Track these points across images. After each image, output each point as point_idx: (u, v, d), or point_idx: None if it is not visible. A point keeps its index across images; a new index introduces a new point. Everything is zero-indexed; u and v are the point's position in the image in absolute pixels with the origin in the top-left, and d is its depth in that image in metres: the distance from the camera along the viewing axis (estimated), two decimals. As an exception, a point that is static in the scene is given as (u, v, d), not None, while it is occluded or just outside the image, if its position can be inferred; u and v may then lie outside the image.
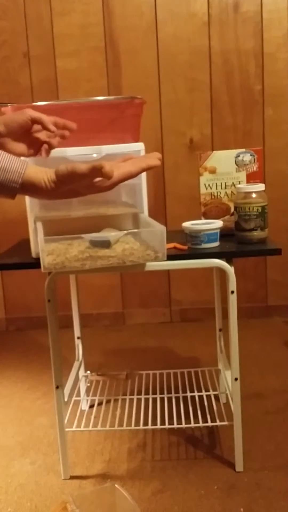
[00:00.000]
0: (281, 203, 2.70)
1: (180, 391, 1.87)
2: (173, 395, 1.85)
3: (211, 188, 1.66)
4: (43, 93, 2.68)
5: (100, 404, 1.96)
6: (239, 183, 1.64)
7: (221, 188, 1.66)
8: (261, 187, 1.55)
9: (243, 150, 1.65)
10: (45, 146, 1.24)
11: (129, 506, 1.28)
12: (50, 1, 2.63)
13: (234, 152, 1.65)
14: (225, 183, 1.65)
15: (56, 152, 1.51)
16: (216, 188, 1.66)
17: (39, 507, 1.49)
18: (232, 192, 1.65)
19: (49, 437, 1.83)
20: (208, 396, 1.83)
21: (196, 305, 2.86)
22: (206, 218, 1.67)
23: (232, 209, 1.62)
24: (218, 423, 1.73)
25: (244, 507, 1.43)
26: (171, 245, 1.53)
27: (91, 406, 1.96)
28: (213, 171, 1.65)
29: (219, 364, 1.95)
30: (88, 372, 2.00)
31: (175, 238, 1.57)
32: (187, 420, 1.74)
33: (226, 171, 1.65)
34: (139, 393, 1.92)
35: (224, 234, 1.57)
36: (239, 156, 1.64)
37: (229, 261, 1.48)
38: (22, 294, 2.90)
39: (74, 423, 1.71)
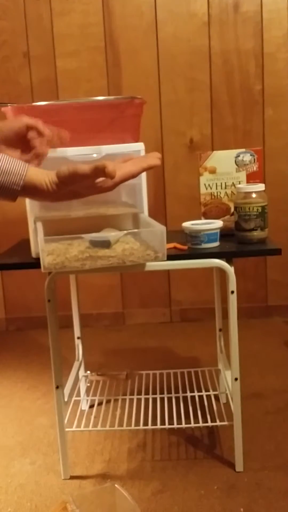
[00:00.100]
0: (281, 203, 2.70)
1: (180, 391, 1.87)
2: (173, 395, 1.85)
3: (211, 188, 1.66)
4: (43, 93, 2.68)
5: (100, 404, 1.96)
6: (239, 183, 1.64)
7: (221, 188, 1.66)
8: (261, 187, 1.55)
9: (243, 150, 1.65)
10: (37, 152, 1.23)
11: (129, 506, 1.28)
12: (50, 1, 2.63)
13: (234, 152, 1.65)
14: (225, 183, 1.65)
15: (56, 152, 1.51)
16: (216, 188, 1.66)
17: (39, 507, 1.49)
18: (232, 192, 1.65)
19: (49, 437, 1.83)
20: (208, 396, 1.83)
21: (196, 305, 2.86)
22: (206, 218, 1.67)
23: (232, 209, 1.62)
24: (218, 423, 1.73)
25: (244, 507, 1.43)
26: (171, 245, 1.53)
27: (91, 406, 1.96)
28: (213, 171, 1.65)
29: (219, 364, 1.95)
30: (88, 372, 2.00)
31: (175, 238, 1.57)
32: (187, 420, 1.74)
33: (226, 171, 1.65)
34: (139, 393, 1.92)
35: (224, 234, 1.57)
36: (239, 156, 1.64)
37: (229, 261, 1.48)
38: (22, 294, 2.90)
39: (74, 423, 1.71)
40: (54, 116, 1.57)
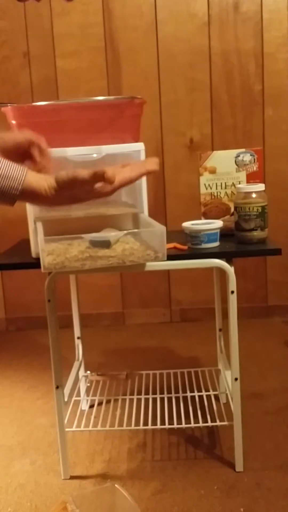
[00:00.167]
0: (281, 203, 2.70)
1: (180, 391, 1.87)
2: (173, 395, 1.85)
3: (211, 188, 1.66)
4: (43, 93, 2.68)
5: (100, 404, 1.96)
6: (239, 183, 1.64)
7: (221, 188, 1.66)
8: (261, 187, 1.55)
9: (243, 150, 1.65)
10: (39, 166, 1.22)
11: (129, 506, 1.28)
12: (50, 1, 2.63)
13: (234, 152, 1.65)
14: (225, 183, 1.65)
15: (56, 152, 1.51)
16: (216, 188, 1.66)
17: (39, 507, 1.49)
18: (232, 192, 1.65)
19: (49, 437, 1.83)
20: (208, 396, 1.83)
21: (196, 305, 2.86)
22: (206, 218, 1.67)
23: (232, 209, 1.62)
24: (218, 423, 1.73)
25: (244, 507, 1.43)
26: (171, 245, 1.53)
27: (91, 406, 1.96)
28: (213, 171, 1.65)
29: (219, 364, 1.95)
30: (88, 372, 2.00)
31: (175, 238, 1.57)
32: (187, 420, 1.74)
33: (226, 171, 1.65)
34: (139, 393, 1.92)
35: (224, 234, 1.57)
36: (239, 156, 1.64)
37: (229, 261, 1.48)
38: (22, 294, 2.90)
39: (74, 423, 1.71)
40: (54, 116, 1.58)
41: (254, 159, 1.64)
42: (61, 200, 1.02)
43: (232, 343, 1.51)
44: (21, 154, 1.18)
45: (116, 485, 1.34)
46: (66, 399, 1.60)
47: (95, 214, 1.59)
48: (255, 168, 1.65)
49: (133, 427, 1.70)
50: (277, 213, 2.63)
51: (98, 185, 1.02)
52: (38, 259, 1.41)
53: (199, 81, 2.67)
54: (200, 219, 1.67)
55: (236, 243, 1.56)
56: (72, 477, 1.60)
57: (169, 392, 1.89)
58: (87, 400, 1.98)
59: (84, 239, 1.42)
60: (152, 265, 1.44)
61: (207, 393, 1.82)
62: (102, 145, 1.53)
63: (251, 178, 1.65)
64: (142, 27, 2.64)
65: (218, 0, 2.61)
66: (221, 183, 1.66)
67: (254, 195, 1.54)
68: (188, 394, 1.83)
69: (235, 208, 1.56)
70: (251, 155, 1.64)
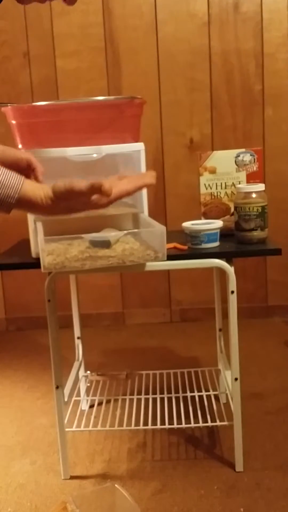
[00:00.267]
0: (281, 203, 2.70)
1: (180, 391, 1.87)
2: (173, 395, 1.85)
3: (211, 188, 1.66)
4: (43, 93, 2.68)
5: (100, 404, 1.96)
6: (239, 183, 1.64)
7: (221, 188, 1.66)
8: (261, 187, 1.55)
9: (243, 150, 1.65)
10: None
11: (129, 506, 1.28)
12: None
13: (234, 152, 1.65)
14: (225, 183, 1.65)
15: (56, 152, 1.51)
16: (216, 188, 1.66)
17: (39, 507, 1.49)
18: (232, 192, 1.65)
19: (49, 437, 1.83)
20: (208, 396, 1.83)
21: (196, 305, 2.86)
22: (206, 218, 1.67)
23: (232, 209, 1.62)
24: (218, 423, 1.73)
25: (244, 507, 1.43)
26: (171, 245, 1.53)
27: (91, 406, 1.96)
28: (213, 171, 1.65)
29: (219, 364, 1.95)
30: (88, 372, 2.00)
31: (175, 238, 1.57)
32: (187, 420, 1.74)
33: (226, 171, 1.65)
34: (139, 393, 1.92)
35: (224, 234, 1.57)
36: (239, 156, 1.64)
37: (229, 261, 1.48)
38: (22, 294, 2.90)
39: (74, 423, 1.71)
40: (54, 116, 1.58)
41: (254, 159, 1.64)
42: (57, 210, 1.02)
43: (232, 343, 1.51)
44: (17, 171, 1.19)
45: (116, 485, 1.34)
46: (66, 399, 1.60)
47: (95, 214, 1.59)
48: (255, 168, 1.65)
49: (133, 427, 1.70)
50: (277, 213, 2.63)
51: (95, 197, 1.02)
52: (38, 259, 1.41)
53: (199, 81, 2.67)
54: (200, 219, 1.67)
55: (236, 243, 1.56)
56: (72, 477, 1.60)
57: (169, 392, 1.89)
58: (87, 400, 1.98)
59: (84, 239, 1.42)
60: (152, 265, 1.44)
61: (207, 393, 1.82)
62: (102, 145, 1.53)
63: (251, 178, 1.65)
64: (142, 27, 2.64)
65: (218, 0, 2.61)
66: (221, 183, 1.66)
67: (254, 195, 1.54)
68: (188, 394, 1.83)
69: (235, 208, 1.56)
70: (251, 155, 1.64)
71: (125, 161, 1.66)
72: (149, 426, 1.73)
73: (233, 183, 1.65)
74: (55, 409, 1.56)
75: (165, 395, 1.86)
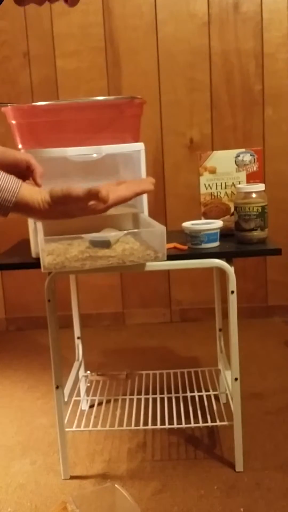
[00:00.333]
0: (281, 203, 2.70)
1: (180, 391, 1.87)
2: (173, 395, 1.85)
3: (211, 188, 1.66)
4: (43, 93, 2.68)
5: (100, 404, 1.96)
6: (239, 183, 1.64)
7: (221, 188, 1.66)
8: (261, 187, 1.55)
9: (243, 150, 1.65)
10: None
11: (129, 506, 1.28)
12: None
13: (234, 152, 1.65)
14: (225, 183, 1.65)
15: (56, 152, 1.51)
16: (216, 188, 1.66)
17: (39, 507, 1.49)
18: (232, 192, 1.65)
19: (49, 437, 1.83)
20: (208, 396, 1.83)
21: (196, 305, 2.86)
22: (206, 218, 1.67)
23: (232, 209, 1.62)
24: (218, 423, 1.73)
25: (244, 507, 1.43)
26: (171, 245, 1.53)
27: (91, 406, 1.96)
28: (213, 171, 1.65)
29: (219, 364, 1.95)
30: (88, 372, 2.00)
31: (175, 238, 1.57)
32: (187, 420, 1.74)
33: (226, 171, 1.65)
34: (139, 393, 1.92)
35: (224, 234, 1.57)
36: (239, 156, 1.64)
37: (229, 261, 1.48)
38: (22, 294, 2.90)
39: (74, 423, 1.71)
40: (54, 116, 1.58)
41: (254, 159, 1.64)
42: (54, 215, 1.02)
43: (232, 343, 1.51)
44: (17, 172, 1.19)
45: (116, 485, 1.34)
46: (66, 399, 1.60)
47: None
48: (255, 168, 1.65)
49: (133, 427, 1.70)
50: (277, 213, 2.63)
51: (92, 202, 1.02)
52: (38, 259, 1.41)
53: (199, 81, 2.67)
54: (200, 219, 1.67)
55: (236, 243, 1.56)
56: (72, 477, 1.60)
57: (169, 392, 1.89)
58: (87, 400, 1.98)
59: (84, 239, 1.42)
60: (152, 265, 1.44)
61: (207, 393, 1.82)
62: (102, 145, 1.53)
63: (251, 178, 1.65)
64: (142, 27, 2.64)
65: (218, 0, 2.61)
66: (221, 183, 1.66)
67: (254, 195, 1.54)
68: (188, 394, 1.83)
69: (235, 208, 1.56)
70: (251, 155, 1.64)
71: (125, 161, 1.66)
72: (149, 426, 1.73)
73: (233, 183, 1.65)
74: (55, 409, 1.56)
75: (165, 395, 1.86)
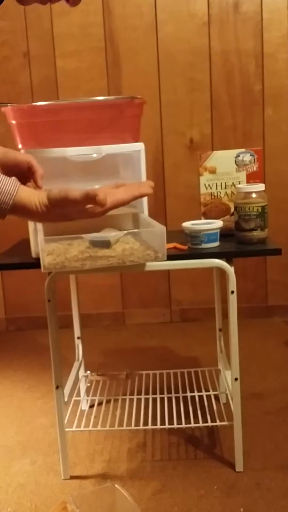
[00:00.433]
0: (281, 203, 2.70)
1: (180, 391, 1.87)
2: (173, 395, 1.85)
3: (211, 188, 1.66)
4: (43, 93, 2.68)
5: (100, 404, 1.96)
6: (239, 183, 1.64)
7: (221, 188, 1.66)
8: (261, 187, 1.55)
9: (243, 150, 1.65)
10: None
11: (129, 506, 1.28)
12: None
13: (234, 152, 1.65)
14: (225, 183, 1.65)
15: (56, 152, 1.51)
16: (216, 188, 1.66)
17: (39, 507, 1.49)
18: (232, 192, 1.65)
19: (49, 437, 1.83)
20: (208, 396, 1.83)
21: (196, 305, 2.86)
22: (206, 218, 1.67)
23: (232, 209, 1.62)
24: (218, 423, 1.73)
25: (244, 507, 1.43)
26: (171, 245, 1.53)
27: (91, 406, 1.96)
28: (213, 171, 1.65)
29: (219, 364, 1.95)
30: (88, 372, 2.00)
31: (175, 238, 1.57)
32: (187, 420, 1.74)
33: (226, 171, 1.65)
34: (139, 393, 1.92)
35: (224, 234, 1.57)
36: (239, 156, 1.64)
37: (229, 261, 1.48)
38: (22, 294, 2.90)
39: (74, 423, 1.71)
40: (54, 116, 1.58)
41: (254, 159, 1.64)
42: (51, 217, 1.02)
43: (232, 343, 1.51)
44: (18, 173, 1.19)
45: (116, 485, 1.34)
46: (66, 399, 1.60)
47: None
48: (255, 168, 1.65)
49: (133, 427, 1.70)
50: (277, 213, 2.63)
51: (90, 205, 1.02)
52: (38, 259, 1.41)
53: (199, 81, 2.67)
54: (200, 219, 1.67)
55: (236, 243, 1.56)
56: (72, 477, 1.60)
57: (169, 392, 1.89)
58: (87, 400, 1.98)
59: (84, 239, 1.42)
60: (152, 265, 1.44)
61: (207, 393, 1.82)
62: (102, 145, 1.53)
63: (251, 178, 1.65)
64: (142, 27, 2.64)
65: (218, 0, 2.61)
66: (221, 183, 1.66)
67: (254, 195, 1.54)
68: (188, 394, 1.83)
69: (235, 208, 1.56)
70: (251, 155, 1.64)
71: (125, 161, 1.66)
72: (149, 426, 1.73)
73: (233, 183, 1.65)
74: (55, 409, 1.56)
75: (165, 395, 1.86)
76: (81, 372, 1.96)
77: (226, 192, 1.66)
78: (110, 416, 1.86)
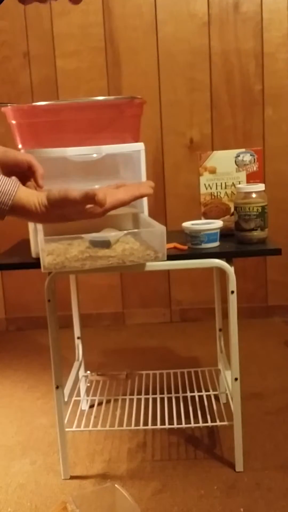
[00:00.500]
0: (281, 203, 2.70)
1: (180, 391, 1.87)
2: (173, 395, 1.85)
3: (211, 188, 1.66)
4: (43, 93, 2.68)
5: (100, 404, 1.96)
6: (239, 183, 1.64)
7: (221, 188, 1.66)
8: (261, 187, 1.55)
9: (243, 150, 1.65)
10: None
11: (129, 506, 1.28)
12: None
13: (234, 152, 1.65)
14: (225, 183, 1.65)
15: (56, 152, 1.51)
16: (216, 188, 1.66)
17: (39, 507, 1.49)
18: (232, 192, 1.65)
19: (49, 437, 1.83)
20: (208, 396, 1.83)
21: (196, 305, 2.86)
22: (206, 218, 1.67)
23: (232, 209, 1.62)
24: (218, 423, 1.73)
25: (244, 507, 1.43)
26: (171, 245, 1.53)
27: (91, 406, 1.96)
28: (213, 171, 1.65)
29: (219, 364, 1.95)
30: (88, 372, 2.00)
31: (175, 238, 1.57)
32: (187, 420, 1.74)
33: (226, 171, 1.65)
34: (139, 393, 1.92)
35: (224, 234, 1.57)
36: (239, 156, 1.64)
37: (229, 261, 1.48)
38: (22, 294, 2.90)
39: (74, 423, 1.71)
40: (54, 116, 1.58)
41: (254, 159, 1.64)
42: (51, 218, 1.01)
43: (232, 343, 1.51)
44: (18, 173, 1.19)
45: (116, 485, 1.34)
46: (66, 399, 1.60)
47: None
48: (255, 168, 1.65)
49: (133, 427, 1.70)
50: (277, 213, 2.63)
51: (90, 205, 1.02)
52: (38, 259, 1.41)
53: (199, 81, 2.67)
54: (200, 219, 1.67)
55: (236, 243, 1.56)
56: (72, 477, 1.60)
57: (169, 392, 1.89)
58: (87, 400, 1.98)
59: (84, 239, 1.42)
60: (152, 265, 1.44)
61: (207, 393, 1.82)
62: (102, 145, 1.53)
63: (251, 178, 1.65)
64: (142, 27, 2.64)
65: (218, 0, 2.61)
66: (221, 183, 1.66)
67: (254, 195, 1.54)
68: (188, 394, 1.83)
69: (235, 208, 1.56)
70: (251, 155, 1.64)
71: (125, 161, 1.66)
72: (149, 426, 1.73)
73: (233, 183, 1.65)
74: (55, 409, 1.56)
75: (165, 395, 1.86)
76: (81, 372, 1.96)
77: (226, 192, 1.66)
78: (110, 416, 1.86)
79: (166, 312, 2.90)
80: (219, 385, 1.95)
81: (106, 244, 1.40)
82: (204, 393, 1.82)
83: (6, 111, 1.59)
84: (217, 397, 1.88)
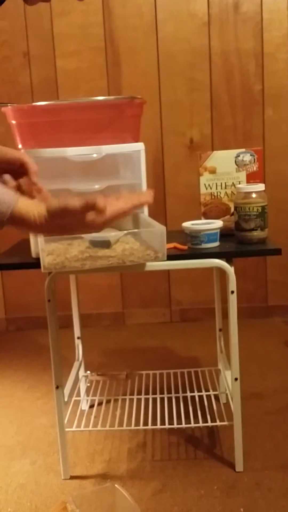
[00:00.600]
0: (281, 203, 2.70)
1: (180, 391, 1.87)
2: (173, 395, 1.85)
3: (211, 188, 1.66)
4: (43, 93, 2.68)
5: (100, 404, 1.96)
6: (239, 183, 1.64)
7: (221, 188, 1.66)
8: (261, 187, 1.55)
9: (243, 150, 1.65)
10: (22, 189, 1.21)
11: (129, 506, 1.28)
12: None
13: (234, 152, 1.65)
14: (225, 183, 1.65)
15: (56, 152, 1.51)
16: (216, 188, 1.66)
17: (39, 507, 1.49)
18: (232, 192, 1.65)
19: (49, 437, 1.83)
20: (208, 396, 1.83)
21: (196, 305, 2.86)
22: (206, 218, 1.67)
23: (232, 209, 1.62)
24: (218, 423, 1.73)
25: (244, 507, 1.43)
26: (171, 245, 1.53)
27: (91, 406, 1.96)
28: (213, 171, 1.65)
29: (219, 364, 1.95)
30: (88, 372, 2.00)
31: (175, 238, 1.57)
32: (187, 420, 1.74)
33: (226, 171, 1.65)
34: (139, 393, 1.92)
35: (224, 234, 1.57)
36: (239, 156, 1.64)
37: (229, 261, 1.48)
38: (22, 294, 2.90)
39: (74, 423, 1.71)
40: (54, 116, 1.58)
41: (254, 159, 1.64)
42: (51, 229, 1.01)
43: (232, 343, 1.51)
44: (11, 170, 1.18)
45: (116, 485, 1.34)
46: (66, 399, 1.60)
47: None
48: (255, 168, 1.65)
49: (133, 427, 1.70)
50: (277, 213, 2.64)
51: (90, 216, 1.01)
52: (38, 259, 1.41)
53: (199, 81, 2.67)
54: (200, 219, 1.67)
55: (236, 243, 1.56)
56: (72, 477, 1.60)
57: (169, 392, 1.89)
58: (87, 400, 1.98)
59: (84, 239, 1.42)
60: (152, 265, 1.44)
61: (207, 393, 1.82)
62: (102, 145, 1.53)
63: (251, 178, 1.65)
64: (142, 27, 2.64)
65: (218, 0, 2.61)
66: (221, 183, 1.66)
67: (254, 195, 1.54)
68: (188, 394, 1.83)
69: (235, 208, 1.56)
70: (251, 155, 1.64)
71: (125, 161, 1.67)
72: (149, 426, 1.73)
73: (233, 183, 1.65)
74: (55, 409, 1.56)
75: (165, 395, 1.86)
76: (81, 372, 1.96)
77: (226, 192, 1.66)
78: (110, 416, 1.86)
79: (166, 312, 2.90)
80: (219, 385, 1.95)
81: (106, 244, 1.40)
82: (204, 393, 1.82)
83: (6, 111, 1.59)
84: (217, 397, 1.88)
